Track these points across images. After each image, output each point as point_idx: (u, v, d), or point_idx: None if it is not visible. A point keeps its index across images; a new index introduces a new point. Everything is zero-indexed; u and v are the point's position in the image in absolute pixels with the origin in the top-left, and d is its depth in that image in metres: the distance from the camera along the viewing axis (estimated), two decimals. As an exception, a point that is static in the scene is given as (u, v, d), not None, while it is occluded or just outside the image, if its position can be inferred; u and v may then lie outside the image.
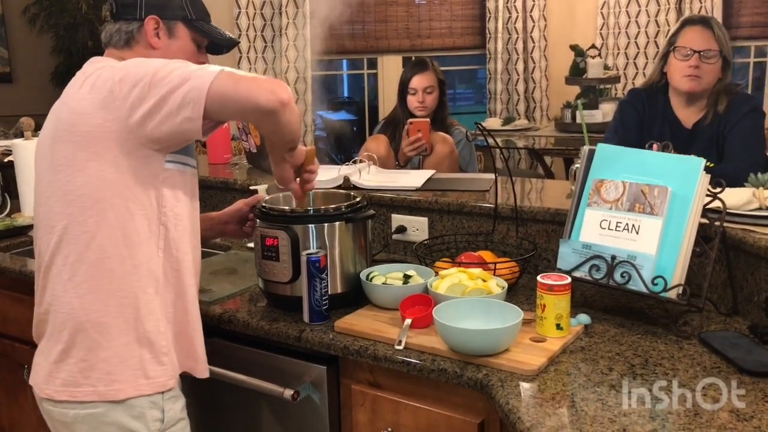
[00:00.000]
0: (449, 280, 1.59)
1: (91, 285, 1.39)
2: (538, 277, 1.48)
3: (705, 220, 1.57)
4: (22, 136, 2.65)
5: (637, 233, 1.54)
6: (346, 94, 8.06)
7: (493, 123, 4.66)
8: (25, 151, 2.49)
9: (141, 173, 1.38)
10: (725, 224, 1.58)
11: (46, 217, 1.45)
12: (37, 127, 2.30)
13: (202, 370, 1.51)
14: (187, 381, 1.53)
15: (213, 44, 1.60)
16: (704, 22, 2.27)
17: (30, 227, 2.42)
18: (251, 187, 2.30)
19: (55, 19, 6.28)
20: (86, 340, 1.40)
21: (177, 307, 1.46)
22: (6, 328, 2.21)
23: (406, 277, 1.69)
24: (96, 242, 1.38)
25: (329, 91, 8.02)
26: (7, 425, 2.32)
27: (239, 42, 1.66)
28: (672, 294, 1.49)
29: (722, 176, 1.57)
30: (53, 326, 1.44)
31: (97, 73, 1.40)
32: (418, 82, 2.82)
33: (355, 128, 7.16)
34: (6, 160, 2.88)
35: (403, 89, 2.87)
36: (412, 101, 2.84)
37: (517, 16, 4.94)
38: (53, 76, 6.27)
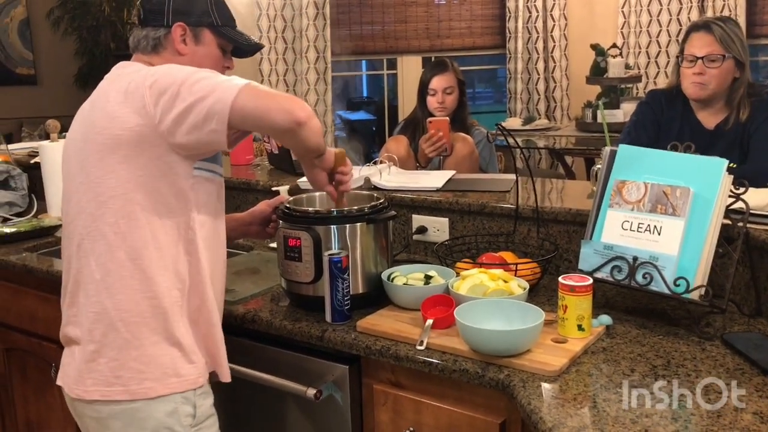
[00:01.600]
0: (470, 280, 1.60)
1: (123, 285, 1.42)
2: (560, 278, 1.49)
3: (728, 221, 1.56)
4: (47, 137, 2.69)
5: (659, 234, 1.54)
6: (365, 95, 8.09)
7: (513, 123, 4.65)
8: (51, 153, 2.53)
9: (170, 178, 1.41)
10: (748, 225, 1.57)
11: (78, 217, 1.48)
12: (63, 129, 2.33)
13: (224, 374, 1.53)
14: (211, 380, 1.56)
15: (238, 49, 1.63)
16: (706, 26, 2.27)
17: (56, 228, 2.47)
18: (273, 188, 2.32)
19: (79, 22, 6.36)
20: (118, 339, 1.42)
21: (202, 311, 1.48)
22: (34, 326, 2.26)
23: (427, 278, 1.70)
24: (127, 243, 1.41)
25: (348, 92, 8.05)
26: (35, 422, 2.36)
27: (263, 47, 1.69)
28: (694, 295, 1.48)
29: (745, 177, 1.57)
30: (84, 326, 1.46)
31: (129, 78, 1.43)
32: (437, 82, 2.83)
33: (374, 128, 7.19)
34: (33, 161, 2.93)
35: (423, 90, 2.88)
36: (432, 102, 2.84)
37: (538, 16, 4.93)
38: (76, 78, 6.36)
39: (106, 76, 1.51)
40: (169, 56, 1.53)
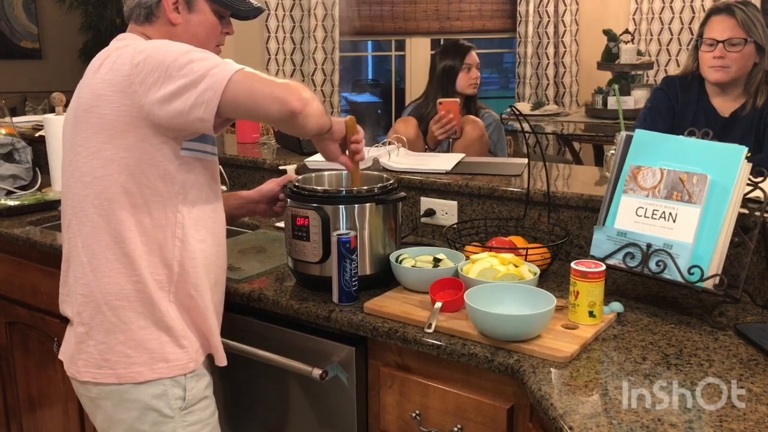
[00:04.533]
0: (480, 264, 1.57)
1: (108, 268, 1.41)
2: (572, 264, 1.46)
3: (745, 210, 1.53)
4: (52, 111, 2.66)
5: (674, 221, 1.51)
6: (370, 76, 8.03)
7: (522, 108, 4.60)
8: (55, 126, 2.51)
9: (157, 160, 1.38)
10: (766, 215, 1.54)
11: (67, 197, 1.47)
12: (68, 103, 2.30)
13: (220, 358, 1.52)
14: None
15: (236, 14, 1.56)
16: (728, 9, 2.23)
17: (60, 201, 2.44)
18: (281, 167, 2.29)
19: (84, -4, 6.30)
20: (105, 322, 1.42)
21: (194, 296, 1.45)
22: (36, 300, 2.24)
23: (436, 261, 1.67)
24: (111, 226, 1.40)
25: (354, 73, 7.99)
26: (36, 395, 2.35)
27: (265, 11, 1.61)
28: (708, 284, 1.46)
29: (761, 164, 1.54)
30: (74, 307, 1.46)
31: (117, 54, 1.39)
32: (472, 58, 2.81)
33: (379, 111, 7.14)
34: (37, 135, 2.90)
35: (449, 72, 2.82)
36: (466, 79, 2.81)
37: (549, 0, 4.87)
38: (81, 52, 6.31)
39: (102, 50, 1.47)
40: (162, 26, 1.48)
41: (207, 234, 1.48)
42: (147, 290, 1.41)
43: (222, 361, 1.52)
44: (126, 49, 1.39)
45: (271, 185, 1.81)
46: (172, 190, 1.41)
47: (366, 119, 7.41)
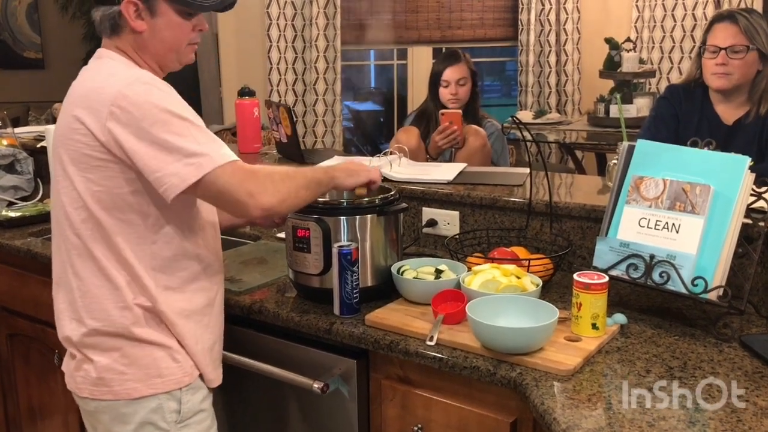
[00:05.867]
0: (482, 276, 1.56)
1: (97, 293, 1.41)
2: (575, 275, 1.45)
3: (748, 221, 1.52)
4: (54, 121, 2.66)
5: (677, 232, 1.50)
6: (372, 85, 8.04)
7: (524, 116, 4.60)
8: (57, 137, 2.50)
9: (135, 195, 1.40)
10: (769, 225, 1.53)
11: (53, 219, 1.49)
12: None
13: (212, 380, 1.52)
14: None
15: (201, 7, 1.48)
16: (731, 17, 2.23)
17: (62, 213, 2.44)
18: (282, 177, 2.28)
19: (87, 6, 6.32)
20: (97, 344, 1.43)
21: (187, 311, 1.46)
22: (37, 312, 2.23)
23: (438, 272, 1.67)
24: (94, 254, 1.40)
25: (356, 82, 7.99)
26: (37, 407, 2.35)
27: (234, 2, 1.53)
28: (712, 295, 1.45)
29: (764, 174, 1.53)
30: (66, 327, 1.47)
31: (98, 82, 1.39)
32: (450, 74, 2.78)
33: (381, 119, 7.14)
34: (39, 145, 2.90)
35: (435, 81, 2.83)
36: (445, 93, 2.80)
37: (551, 8, 4.86)
38: (84, 62, 6.30)
39: (83, 69, 1.48)
40: (129, 36, 1.44)
41: (202, 250, 1.49)
42: (135, 313, 1.42)
43: (213, 383, 1.53)
44: (107, 81, 1.38)
45: None
46: (147, 223, 1.41)
47: (368, 127, 7.42)
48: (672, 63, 4.74)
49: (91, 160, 1.37)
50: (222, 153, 1.35)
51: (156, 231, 1.42)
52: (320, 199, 1.70)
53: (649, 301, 1.65)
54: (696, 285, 1.45)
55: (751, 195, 1.50)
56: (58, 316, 1.50)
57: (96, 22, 1.47)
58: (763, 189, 1.51)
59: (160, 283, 1.42)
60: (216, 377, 1.53)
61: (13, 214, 2.44)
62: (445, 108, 2.77)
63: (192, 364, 1.46)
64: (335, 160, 2.39)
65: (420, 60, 5.09)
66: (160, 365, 1.42)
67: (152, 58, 1.47)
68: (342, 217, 1.63)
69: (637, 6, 4.80)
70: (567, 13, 4.91)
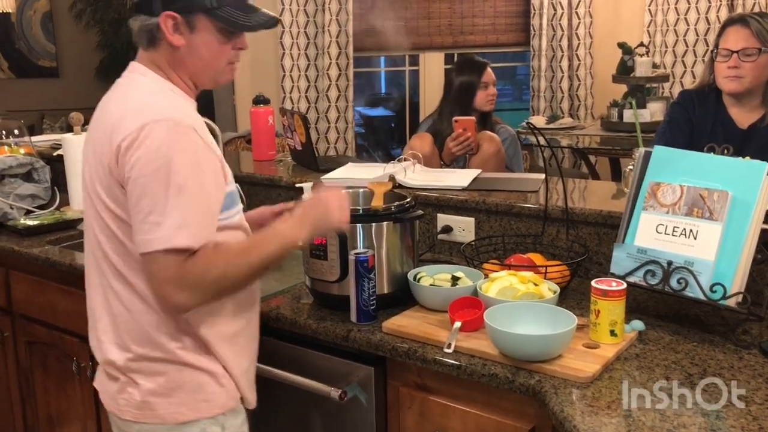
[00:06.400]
0: (499, 283, 1.56)
1: (140, 321, 1.38)
2: (593, 282, 1.45)
3: (767, 226, 1.52)
4: (70, 130, 2.68)
5: (695, 239, 1.50)
6: (383, 91, 8.05)
7: (537, 121, 4.59)
8: (74, 146, 2.53)
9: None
10: (788, 230, 1.52)
11: (86, 245, 1.47)
12: (86, 122, 2.32)
13: (250, 401, 1.51)
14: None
15: (244, 27, 1.42)
16: (742, 20, 2.24)
17: (79, 221, 2.46)
18: (297, 185, 2.29)
19: (101, 15, 6.39)
20: (143, 366, 1.39)
21: (229, 335, 1.43)
22: (55, 319, 2.25)
23: (455, 279, 1.67)
24: (134, 283, 1.37)
25: (367, 88, 8.00)
26: (56, 415, 2.36)
27: (279, 20, 1.47)
28: (731, 302, 1.44)
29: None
30: (108, 351, 1.42)
31: (124, 114, 1.34)
32: (488, 76, 2.82)
33: (393, 125, 7.15)
34: (55, 154, 2.93)
35: (467, 89, 2.82)
36: (484, 96, 2.81)
37: (563, 13, 4.86)
38: (98, 70, 6.38)
39: (118, 83, 1.45)
40: (165, 50, 1.39)
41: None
42: (181, 340, 1.38)
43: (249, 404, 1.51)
44: (135, 111, 1.33)
45: (265, 213, 1.68)
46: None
47: (380, 133, 7.43)
48: (685, 67, 4.73)
49: (108, 184, 1.34)
50: (175, 235, 1.27)
51: None
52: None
53: (666, 308, 1.65)
54: (714, 291, 1.44)
55: (770, 200, 1.49)
56: (98, 338, 1.44)
57: (133, 31, 1.41)
58: (782, 194, 1.50)
59: (203, 309, 1.37)
60: (253, 398, 1.51)
61: (30, 223, 2.46)
62: (462, 115, 2.77)
63: (234, 386, 1.44)
64: (349, 167, 2.40)
65: (432, 66, 5.09)
66: (206, 390, 1.39)
67: (187, 75, 1.42)
68: (358, 225, 1.63)
69: (649, 10, 4.79)
70: (579, 18, 4.90)
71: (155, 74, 1.40)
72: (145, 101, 1.36)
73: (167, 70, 1.41)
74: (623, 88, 4.36)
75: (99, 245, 1.40)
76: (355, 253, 1.58)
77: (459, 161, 2.73)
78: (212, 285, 1.33)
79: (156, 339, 1.37)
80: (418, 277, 1.67)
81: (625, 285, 1.44)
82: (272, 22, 1.45)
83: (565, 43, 4.90)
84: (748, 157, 2.17)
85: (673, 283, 1.50)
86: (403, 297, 1.67)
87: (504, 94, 7.19)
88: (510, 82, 6.86)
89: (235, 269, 1.35)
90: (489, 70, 2.87)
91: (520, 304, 1.48)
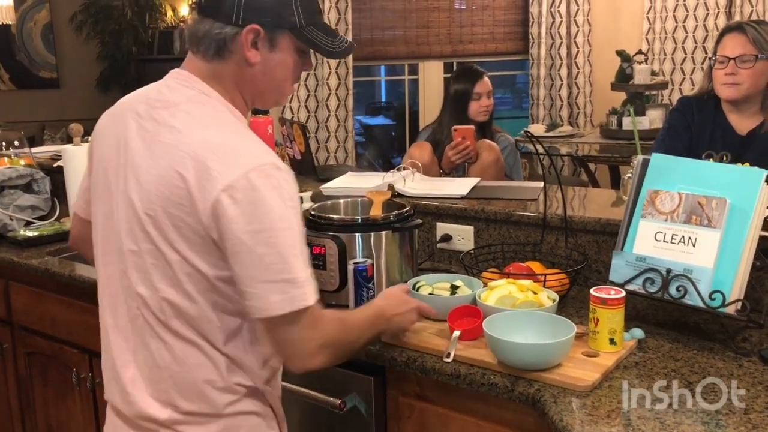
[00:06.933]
0: (498, 291, 1.56)
1: (190, 376, 1.24)
2: (591, 290, 1.45)
3: (766, 233, 1.52)
4: (70, 141, 2.68)
5: (694, 246, 1.50)
6: (383, 99, 8.07)
7: (536, 129, 4.60)
8: (74, 157, 2.53)
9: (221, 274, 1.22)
10: (787, 237, 1.52)
11: (115, 275, 1.28)
12: (86, 133, 2.33)
13: None
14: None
15: (324, 50, 1.30)
16: (739, 27, 2.26)
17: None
18: (296, 194, 2.29)
19: (101, 26, 6.41)
20: (190, 420, 1.25)
21: (272, 384, 1.33)
22: (55, 331, 2.25)
23: (454, 288, 1.66)
24: (182, 333, 1.24)
25: (367, 97, 8.02)
26: (55, 426, 2.36)
27: (354, 48, 1.36)
28: (731, 309, 1.44)
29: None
30: (148, 407, 1.26)
31: (216, 159, 1.15)
32: (481, 86, 2.83)
33: (393, 133, 7.16)
34: (55, 165, 2.93)
35: (461, 98, 2.83)
36: (477, 107, 2.82)
37: (561, 21, 4.88)
38: (98, 81, 6.40)
39: (159, 87, 1.27)
40: (235, 65, 1.23)
41: None
42: (236, 391, 1.27)
43: None
44: (230, 152, 1.16)
45: None
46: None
47: (380, 142, 7.45)
48: (684, 74, 4.74)
49: (192, 233, 1.17)
50: (314, 289, 1.18)
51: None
52: (335, 216, 1.71)
53: (666, 315, 1.64)
54: (714, 299, 1.44)
55: (768, 208, 1.50)
56: (124, 390, 1.27)
57: (194, 32, 1.24)
58: (780, 201, 1.50)
59: (260, 360, 1.28)
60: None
61: (30, 234, 2.46)
62: (461, 123, 2.78)
63: (276, 423, 1.36)
64: (349, 177, 2.40)
65: (431, 75, 5.11)
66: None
67: (251, 94, 1.28)
68: (357, 234, 1.64)
69: (648, 18, 4.80)
70: (578, 26, 4.92)
71: (218, 94, 1.25)
72: (230, 137, 1.20)
73: (230, 87, 1.25)
74: (622, 96, 4.37)
75: (149, 291, 1.22)
76: (354, 263, 1.58)
77: (458, 170, 2.73)
78: (347, 346, 1.28)
79: (208, 394, 1.23)
80: (417, 286, 1.67)
81: (624, 293, 1.44)
82: (351, 49, 1.35)
83: (564, 51, 4.91)
84: (747, 164, 2.20)
85: (672, 290, 1.50)
86: (402, 306, 1.66)
87: (503, 103, 7.21)
88: (509, 90, 6.88)
89: (355, 339, 1.32)
90: (485, 80, 2.86)
91: (519, 313, 1.48)
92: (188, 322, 1.22)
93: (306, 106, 4.73)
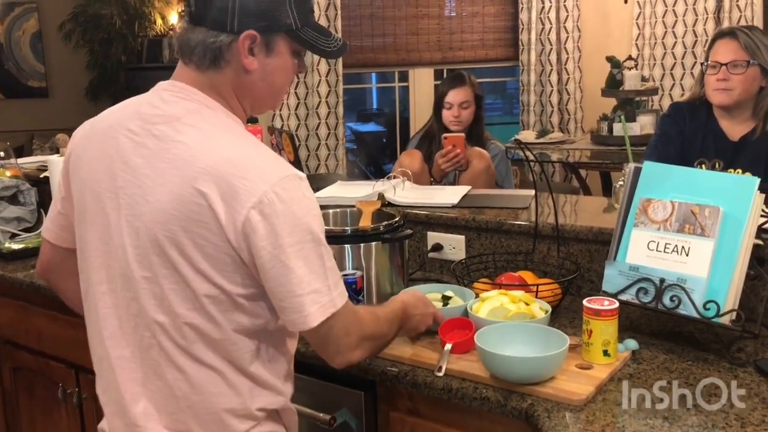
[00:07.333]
0: (490, 303, 1.54)
1: (210, 403, 1.21)
2: (584, 301, 1.43)
3: (759, 242, 1.50)
4: (57, 152, 2.66)
5: (687, 255, 1.48)
6: (375, 106, 8.06)
7: (527, 136, 4.59)
8: (60, 168, 2.50)
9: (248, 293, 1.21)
10: (781, 245, 1.51)
11: (124, 302, 1.22)
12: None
13: None
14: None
15: (319, 50, 1.26)
16: (731, 33, 2.26)
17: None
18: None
19: (90, 35, 6.37)
20: None
21: (288, 407, 1.31)
22: (41, 345, 2.21)
23: (445, 299, 1.64)
24: (203, 359, 1.21)
25: (359, 104, 8.00)
26: (41, 443, 2.32)
27: (348, 45, 1.32)
28: (725, 319, 1.42)
29: (768, 192, 1.51)
30: None
31: (237, 176, 1.11)
32: (453, 96, 2.78)
33: (384, 140, 7.15)
34: (42, 176, 2.90)
35: (439, 103, 2.83)
36: (447, 115, 2.80)
37: (551, 28, 4.88)
38: (87, 90, 6.36)
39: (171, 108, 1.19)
40: (232, 73, 1.18)
41: (292, 340, 1.34)
42: (256, 416, 1.24)
43: None
44: (252, 167, 1.12)
45: None
46: (264, 319, 1.24)
47: (371, 149, 7.43)
48: (674, 80, 4.74)
49: (216, 251, 1.13)
50: (342, 289, 1.19)
51: (270, 325, 1.21)
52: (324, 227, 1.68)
53: (660, 325, 1.62)
54: (708, 309, 1.42)
55: (762, 216, 1.48)
56: (135, 424, 1.21)
57: (186, 41, 1.19)
58: (774, 209, 1.49)
59: (280, 383, 1.26)
60: None
61: (16, 246, 2.42)
62: (448, 130, 2.77)
63: None
64: (338, 186, 2.38)
65: (421, 82, 5.10)
66: None
67: (249, 102, 1.24)
68: (346, 246, 1.61)
69: (637, 23, 4.81)
70: (567, 32, 4.92)
71: (219, 104, 1.20)
72: (247, 151, 1.16)
73: (228, 96, 1.21)
74: (613, 102, 4.37)
75: (168, 317, 1.17)
76: (343, 275, 1.54)
77: (449, 178, 2.71)
78: (382, 338, 1.31)
79: (228, 422, 1.20)
80: (408, 297, 1.64)
81: (617, 304, 1.42)
82: (346, 48, 1.30)
83: (554, 57, 4.91)
84: (739, 170, 2.20)
85: (666, 300, 1.48)
86: (393, 318, 1.64)
87: (494, 109, 7.20)
88: (501, 95, 6.88)
89: (386, 332, 1.33)
90: (461, 90, 2.77)
91: (511, 325, 1.46)
92: (211, 345, 1.17)
93: (296, 114, 4.70)
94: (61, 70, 6.79)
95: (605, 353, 1.40)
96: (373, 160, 7.09)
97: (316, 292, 1.14)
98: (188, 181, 1.12)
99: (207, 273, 1.14)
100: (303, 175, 1.17)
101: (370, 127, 7.75)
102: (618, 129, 4.07)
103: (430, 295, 1.65)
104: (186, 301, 1.15)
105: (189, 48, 1.19)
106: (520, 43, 4.99)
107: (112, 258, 1.20)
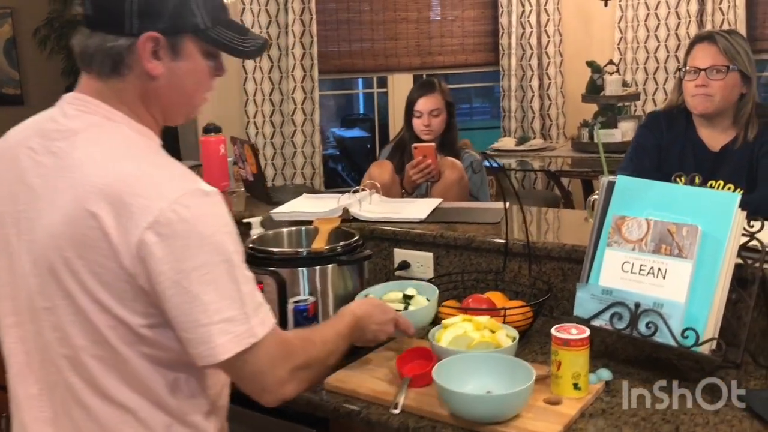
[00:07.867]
0: (453, 330, 1.42)
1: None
2: (552, 330, 1.32)
3: (740, 260, 1.39)
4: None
5: (664, 278, 1.37)
6: (362, 111, 7.95)
7: (507, 143, 4.49)
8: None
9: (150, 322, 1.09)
10: (765, 266, 1.40)
11: (24, 337, 1.12)
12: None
13: None
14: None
15: (234, 50, 1.16)
16: (710, 37, 2.14)
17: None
18: (244, 220, 2.14)
19: (66, 41, 6.22)
20: None
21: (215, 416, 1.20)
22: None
23: (407, 298, 1.53)
24: (111, 394, 1.11)
25: (344, 109, 7.89)
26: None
27: (268, 42, 1.20)
28: (705, 349, 1.32)
29: (752, 204, 1.40)
30: None
31: (133, 193, 1.00)
32: (423, 104, 2.66)
33: (369, 146, 7.03)
34: None
35: (409, 111, 2.72)
36: (418, 124, 2.68)
37: (531, 32, 4.78)
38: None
39: (50, 115, 1.11)
40: (136, 80, 1.08)
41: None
42: None
43: None
44: (147, 182, 1.02)
45: None
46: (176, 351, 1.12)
47: (354, 155, 7.31)
48: (657, 84, 4.65)
49: (114, 279, 1.02)
50: (264, 317, 1.07)
51: (185, 357, 1.07)
52: (275, 250, 1.57)
53: (636, 350, 1.51)
54: (686, 337, 1.32)
55: (743, 234, 1.37)
56: None
57: (84, 47, 1.08)
58: (756, 227, 1.38)
59: (203, 412, 1.15)
60: None
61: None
62: (420, 139, 2.65)
63: None
64: (303, 199, 2.26)
65: (400, 88, 4.98)
66: None
67: (159, 111, 1.13)
68: (300, 269, 1.50)
69: (619, 27, 4.72)
70: (548, 36, 4.82)
71: (120, 113, 1.10)
72: (146, 166, 1.06)
73: (135, 107, 1.11)
74: (594, 108, 4.27)
75: (70, 351, 1.07)
76: (294, 302, 1.44)
77: (421, 189, 2.60)
78: (320, 365, 1.17)
79: None
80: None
81: (588, 332, 1.31)
82: (265, 47, 1.20)
83: (534, 62, 4.81)
84: (720, 182, 2.09)
85: (642, 327, 1.37)
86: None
87: (481, 112, 7.11)
88: (487, 99, 6.78)
89: (324, 357, 1.19)
90: (430, 97, 2.65)
91: (474, 356, 1.34)
92: (123, 379, 1.07)
93: (271, 121, 4.58)
94: (37, 76, 6.65)
95: (575, 386, 1.29)
96: (356, 166, 6.98)
97: (227, 321, 1.02)
98: (80, 202, 1.02)
99: (106, 304, 1.03)
100: (212, 189, 1.05)
101: (355, 132, 7.63)
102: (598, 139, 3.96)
103: (389, 295, 1.54)
104: (87, 332, 1.05)
105: (88, 56, 1.08)
106: (500, 48, 4.88)
107: (19, 288, 1.09)
